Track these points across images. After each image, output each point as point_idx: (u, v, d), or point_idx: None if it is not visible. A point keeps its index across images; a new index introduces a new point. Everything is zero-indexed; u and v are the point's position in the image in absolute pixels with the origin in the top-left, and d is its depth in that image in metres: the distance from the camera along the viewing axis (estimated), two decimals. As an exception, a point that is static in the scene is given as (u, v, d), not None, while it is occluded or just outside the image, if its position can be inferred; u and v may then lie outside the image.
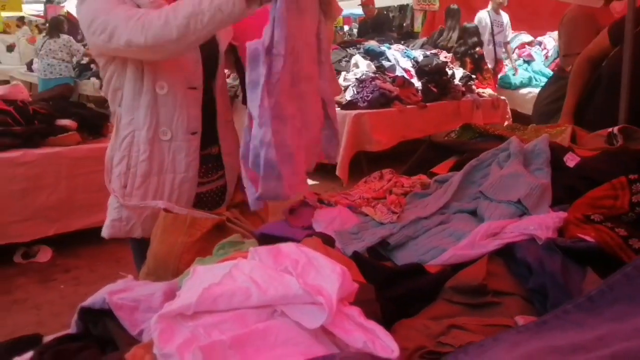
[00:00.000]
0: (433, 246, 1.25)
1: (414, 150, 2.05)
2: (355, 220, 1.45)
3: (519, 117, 6.86)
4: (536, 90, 5.58)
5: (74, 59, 7.97)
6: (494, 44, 8.13)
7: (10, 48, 11.23)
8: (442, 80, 6.39)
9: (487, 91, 7.16)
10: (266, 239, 1.34)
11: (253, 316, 0.82)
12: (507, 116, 7.22)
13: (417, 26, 11.20)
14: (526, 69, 8.23)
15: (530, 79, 7.96)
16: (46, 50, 7.65)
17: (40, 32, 13.56)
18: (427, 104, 6.07)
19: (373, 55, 6.36)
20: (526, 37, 8.86)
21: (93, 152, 3.86)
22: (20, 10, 14.78)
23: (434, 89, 6.25)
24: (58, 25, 7.96)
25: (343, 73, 5.96)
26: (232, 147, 1.92)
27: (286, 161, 1.36)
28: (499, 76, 8.18)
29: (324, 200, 1.56)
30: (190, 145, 1.78)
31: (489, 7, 8.30)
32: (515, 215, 1.27)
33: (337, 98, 5.57)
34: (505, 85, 8.02)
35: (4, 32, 14.23)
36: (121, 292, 1.00)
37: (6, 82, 9.38)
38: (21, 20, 16.20)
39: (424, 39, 8.51)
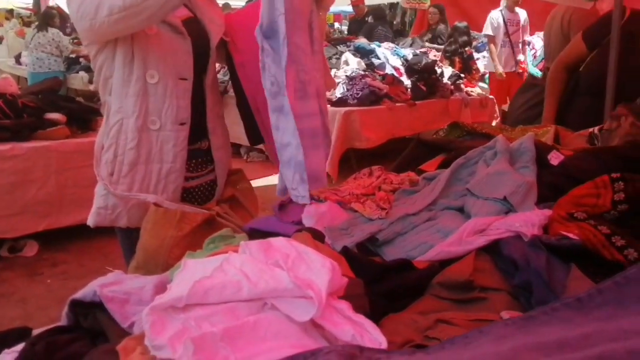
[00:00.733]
0: (421, 242, 1.26)
1: (402, 148, 2.07)
2: (345, 216, 1.46)
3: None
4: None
5: (64, 52, 7.91)
6: (511, 45, 7.33)
7: (-2, 41, 11.13)
8: (431, 78, 6.42)
9: (476, 90, 7.20)
10: (256, 234, 1.35)
11: (244, 309, 0.83)
12: (495, 115, 7.27)
13: (409, 25, 11.25)
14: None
15: (518, 78, 7.96)
16: (35, 43, 7.60)
17: (26, 25, 13.43)
18: (416, 102, 6.10)
19: (363, 53, 6.39)
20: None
21: (82, 146, 3.85)
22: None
23: (423, 87, 6.28)
24: (49, 18, 7.90)
25: (333, 70, 5.97)
26: (221, 142, 1.93)
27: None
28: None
29: (313, 196, 1.58)
30: (178, 135, 1.78)
31: (502, 4, 7.51)
32: (502, 212, 1.29)
33: (328, 94, 5.58)
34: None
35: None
36: (112, 284, 1.01)
37: (-6, 75, 9.31)
38: (10, 13, 16.05)
39: (413, 37, 8.54)
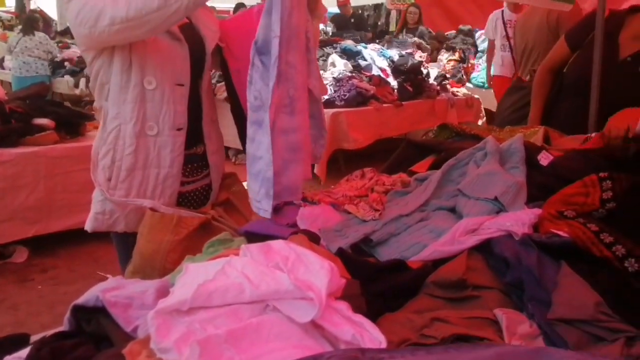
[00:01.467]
0: (414, 242, 1.29)
1: (390, 148, 2.10)
2: (339, 218, 1.48)
3: (492, 116, 6.96)
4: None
5: (50, 56, 7.85)
6: (511, 49, 5.81)
7: (-22, 45, 10.99)
8: (418, 79, 6.46)
9: (462, 90, 7.26)
10: (251, 237, 1.37)
11: (247, 311, 0.85)
12: (481, 114, 7.33)
13: (393, 25, 11.29)
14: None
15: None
16: (22, 47, 7.52)
17: (7, 28, 13.28)
18: (403, 102, 6.14)
19: (350, 55, 6.42)
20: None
21: (71, 152, 3.83)
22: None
23: (410, 88, 6.32)
24: (33, 22, 7.84)
25: (320, 72, 5.99)
26: (216, 146, 1.95)
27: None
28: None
29: (307, 199, 1.60)
30: (175, 141, 1.79)
31: (505, 4, 6.17)
32: (493, 212, 1.32)
33: (315, 97, 5.59)
34: (478, 84, 8.11)
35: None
36: (114, 289, 1.02)
37: (-24, 79, 9.22)
38: (-11, 17, 15.86)
39: (390, 36, 8.56)
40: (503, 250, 1.12)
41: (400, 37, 7.90)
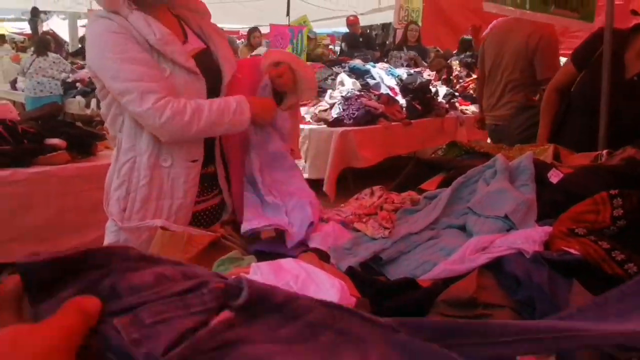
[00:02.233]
0: (424, 261, 1.29)
1: (399, 167, 2.10)
2: (348, 236, 1.49)
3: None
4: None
5: (63, 75, 7.95)
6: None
7: (-8, 67, 11.17)
8: (426, 97, 6.47)
9: (471, 108, 7.26)
10: (261, 255, 1.37)
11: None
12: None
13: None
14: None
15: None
16: (35, 68, 7.62)
17: (20, 50, 13.48)
18: (412, 120, 6.14)
19: (358, 74, 6.44)
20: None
21: (82, 171, 3.85)
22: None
23: (418, 106, 6.33)
24: (46, 43, 7.95)
25: (329, 91, 6.03)
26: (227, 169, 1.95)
27: None
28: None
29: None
30: (189, 172, 1.80)
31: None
32: (503, 230, 1.32)
33: (324, 115, 5.63)
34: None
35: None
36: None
37: (-11, 100, 9.33)
38: (1, 39, 16.12)
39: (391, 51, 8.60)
40: (514, 268, 1.12)
41: (394, 53, 7.95)
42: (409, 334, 0.64)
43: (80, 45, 12.75)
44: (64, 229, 3.89)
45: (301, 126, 5.16)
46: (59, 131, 3.84)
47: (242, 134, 1.82)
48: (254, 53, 7.75)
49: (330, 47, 16.22)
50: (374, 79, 6.34)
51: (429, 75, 6.92)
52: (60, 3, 13.00)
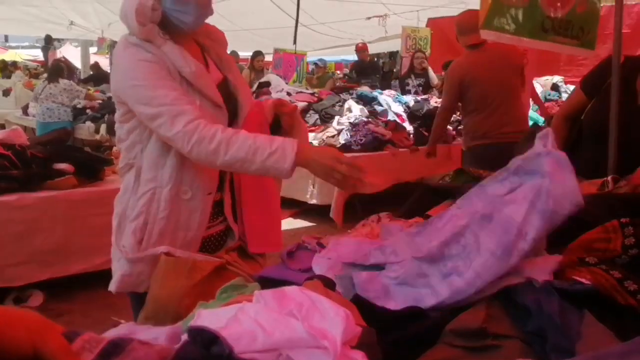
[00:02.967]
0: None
1: (407, 193, 2.09)
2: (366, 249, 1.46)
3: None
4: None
5: (75, 101, 8.04)
6: None
7: (6, 92, 11.31)
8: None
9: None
10: (265, 283, 1.35)
11: (259, 360, 0.83)
12: (499, 159, 7.28)
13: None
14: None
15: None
16: (47, 94, 7.71)
17: (33, 76, 13.70)
18: (419, 147, 6.15)
19: (365, 100, 6.49)
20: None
21: (90, 196, 3.87)
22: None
23: (426, 133, 6.34)
24: (58, 71, 8.06)
25: (337, 117, 6.06)
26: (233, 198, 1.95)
27: None
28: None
29: (323, 244, 1.58)
30: (205, 205, 1.80)
31: None
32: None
33: (332, 141, 5.64)
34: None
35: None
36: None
37: (1, 125, 9.45)
38: (14, 65, 16.41)
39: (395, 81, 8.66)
40: (524, 298, 1.09)
41: (394, 82, 8.03)
42: None
43: (91, 73, 12.95)
44: (71, 253, 3.90)
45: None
46: (67, 156, 3.87)
47: None
48: (263, 79, 7.80)
49: (337, 74, 16.43)
50: (381, 105, 6.38)
51: (436, 102, 6.94)
52: (72, 31, 13.25)
